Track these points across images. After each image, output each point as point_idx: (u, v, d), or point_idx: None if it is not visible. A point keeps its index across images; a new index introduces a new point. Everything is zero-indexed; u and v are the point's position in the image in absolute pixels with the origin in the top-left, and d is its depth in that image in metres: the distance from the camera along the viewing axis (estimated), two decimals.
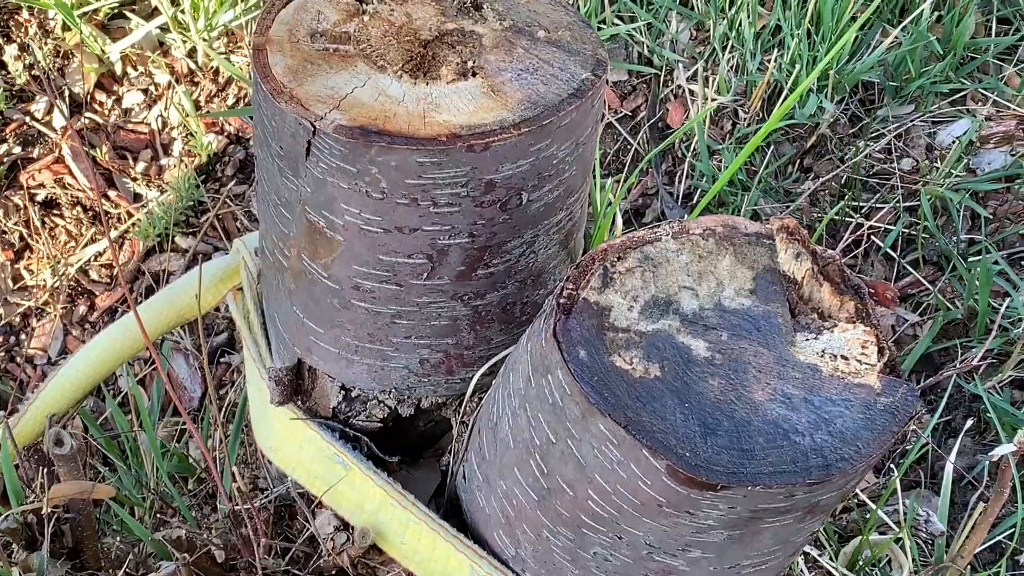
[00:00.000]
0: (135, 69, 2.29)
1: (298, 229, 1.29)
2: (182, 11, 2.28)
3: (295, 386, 1.43)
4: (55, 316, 2.12)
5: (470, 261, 1.26)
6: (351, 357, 1.37)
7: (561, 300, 1.11)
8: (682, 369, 1.07)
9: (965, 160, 2.30)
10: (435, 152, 1.15)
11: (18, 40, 2.25)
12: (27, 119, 2.23)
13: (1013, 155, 2.32)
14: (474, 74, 1.22)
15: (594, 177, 1.95)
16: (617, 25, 2.39)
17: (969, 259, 2.25)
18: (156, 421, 1.72)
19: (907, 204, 2.33)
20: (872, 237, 2.35)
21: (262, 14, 1.29)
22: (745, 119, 2.35)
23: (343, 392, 1.40)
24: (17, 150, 2.22)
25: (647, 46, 2.41)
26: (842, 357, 1.10)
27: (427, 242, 1.23)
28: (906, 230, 2.32)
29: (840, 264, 1.17)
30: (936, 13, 2.40)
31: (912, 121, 2.37)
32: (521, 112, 1.18)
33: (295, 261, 1.33)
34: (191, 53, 2.30)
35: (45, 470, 1.29)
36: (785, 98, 2.30)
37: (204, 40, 2.26)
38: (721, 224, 1.18)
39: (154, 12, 2.31)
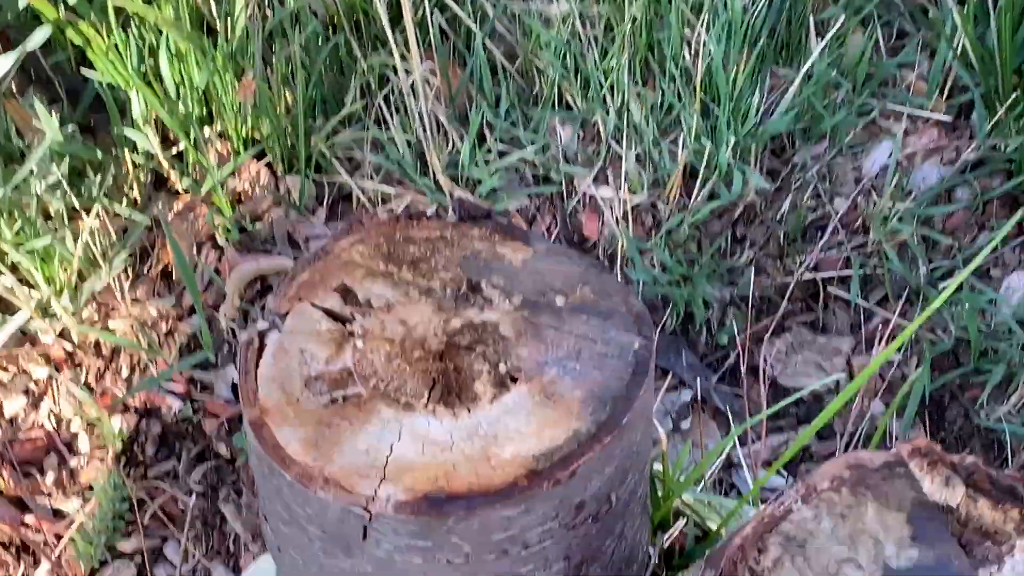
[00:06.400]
0: (6, 371, 2.09)
1: None
2: (37, 291, 2.09)
3: None
4: None
5: None
6: None
7: None
8: None
9: (901, 184, 2.26)
10: (521, 500, 1.02)
11: None
12: None
13: (944, 163, 2.30)
14: (514, 380, 1.10)
15: None
16: (504, 156, 2.28)
17: (939, 284, 2.22)
18: None
19: (853, 245, 2.28)
20: (827, 287, 2.29)
21: (240, 378, 1.14)
22: (666, 209, 2.27)
23: None
24: None
25: (539, 163, 2.31)
26: None
27: None
28: (860, 270, 2.27)
29: (984, 468, 1.09)
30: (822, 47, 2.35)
31: (832, 158, 2.33)
32: (592, 416, 1.06)
33: None
34: (63, 334, 2.11)
35: None
36: (704, 179, 2.23)
37: (73, 315, 2.08)
38: (846, 468, 1.09)
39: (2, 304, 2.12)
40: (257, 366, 1.15)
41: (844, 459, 1.10)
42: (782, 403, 1.27)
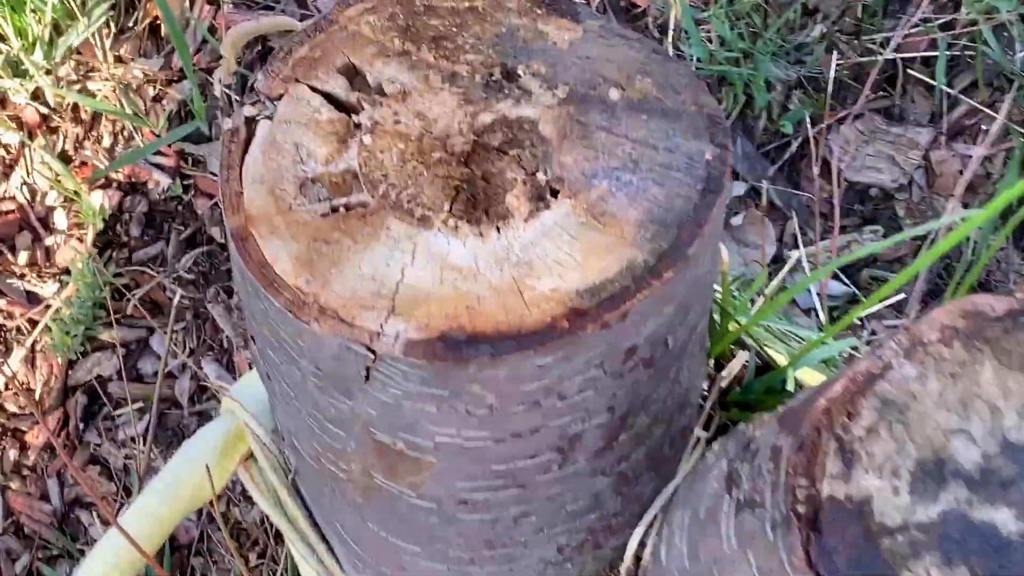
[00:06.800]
0: None
1: (360, 446, 1.01)
2: (6, 45, 1.90)
3: None
4: None
5: (610, 434, 1.00)
6: (467, 568, 1.11)
7: (799, 508, 0.85)
8: (996, 563, 0.83)
9: None
10: (560, 347, 0.86)
11: None
12: None
13: None
14: (555, 194, 0.93)
15: None
16: None
17: None
18: None
19: (941, 22, 2.08)
20: (908, 70, 2.10)
21: (222, 178, 0.97)
22: None
23: None
24: None
25: None
26: None
27: (556, 436, 0.96)
28: (947, 51, 2.07)
29: None
30: None
31: None
32: (650, 243, 0.89)
33: (360, 476, 1.05)
34: (36, 95, 1.93)
35: None
36: None
37: (48, 74, 1.90)
38: (960, 315, 0.92)
39: None
40: (242, 162, 0.98)
41: (958, 305, 0.93)
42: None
